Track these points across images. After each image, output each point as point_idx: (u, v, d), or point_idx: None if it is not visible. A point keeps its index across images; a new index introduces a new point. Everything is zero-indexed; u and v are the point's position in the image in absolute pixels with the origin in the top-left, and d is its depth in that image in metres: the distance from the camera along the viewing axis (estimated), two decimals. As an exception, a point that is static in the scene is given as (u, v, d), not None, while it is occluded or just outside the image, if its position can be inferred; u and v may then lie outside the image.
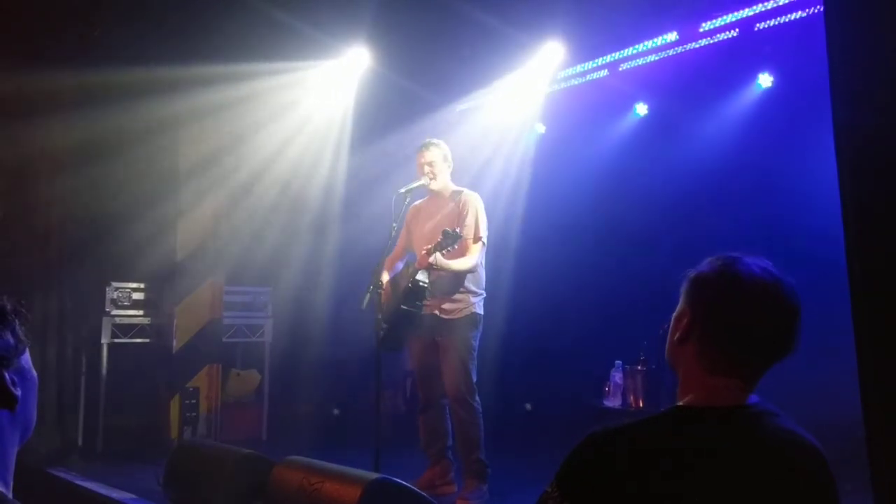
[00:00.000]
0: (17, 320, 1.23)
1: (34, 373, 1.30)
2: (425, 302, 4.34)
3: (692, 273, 1.47)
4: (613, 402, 5.45)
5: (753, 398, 1.42)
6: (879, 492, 1.99)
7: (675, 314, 1.48)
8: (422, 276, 4.27)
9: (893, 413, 2.01)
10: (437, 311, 4.41)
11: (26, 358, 1.26)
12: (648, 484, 1.29)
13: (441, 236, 4.07)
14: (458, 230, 4.09)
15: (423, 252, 4.15)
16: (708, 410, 1.38)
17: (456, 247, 4.12)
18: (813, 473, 1.36)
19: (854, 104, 2.15)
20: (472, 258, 4.36)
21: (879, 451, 1.99)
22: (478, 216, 4.42)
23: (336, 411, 6.87)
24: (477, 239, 4.39)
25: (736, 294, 1.39)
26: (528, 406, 6.70)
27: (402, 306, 4.31)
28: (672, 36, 5.85)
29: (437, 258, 4.13)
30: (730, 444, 1.33)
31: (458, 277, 4.39)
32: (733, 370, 1.40)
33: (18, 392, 1.23)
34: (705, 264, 1.46)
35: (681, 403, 1.42)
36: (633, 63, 6.23)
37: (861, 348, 2.10)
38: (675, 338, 1.46)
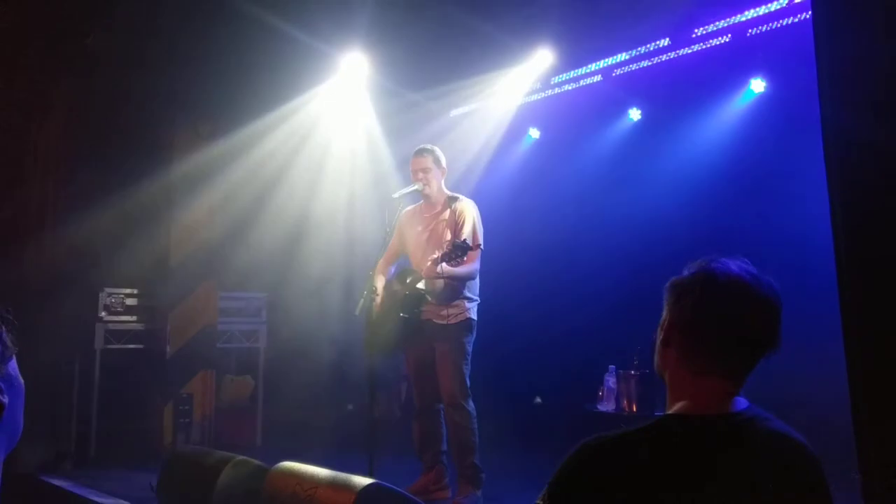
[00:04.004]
0: (3, 327, 1.23)
1: (21, 380, 1.29)
2: (423, 308, 4.38)
3: (672, 279, 1.49)
4: (607, 407, 5.42)
5: (744, 403, 1.41)
6: (869, 491, 2.00)
7: (659, 323, 1.49)
8: (422, 284, 4.29)
9: (882, 413, 2.02)
10: (433, 318, 4.43)
11: (13, 365, 1.26)
12: (642, 495, 1.28)
13: (451, 246, 4.10)
14: (467, 241, 4.11)
15: (430, 261, 4.17)
16: (700, 418, 1.37)
17: (465, 258, 4.14)
18: (807, 476, 1.36)
19: (842, 107, 2.16)
20: (473, 265, 4.40)
21: (868, 451, 2.00)
22: (475, 224, 4.46)
23: (350, 406, 6.85)
24: (476, 246, 4.41)
25: (711, 289, 1.40)
26: (538, 399, 6.71)
27: (402, 314, 4.34)
28: (665, 41, 5.88)
29: (444, 267, 4.15)
30: (724, 452, 1.33)
31: (459, 285, 4.42)
32: (715, 368, 1.40)
33: (5, 399, 1.22)
34: (684, 270, 1.48)
35: (671, 412, 1.42)
36: (627, 68, 6.26)
37: (850, 347, 2.10)
38: (659, 340, 1.47)
